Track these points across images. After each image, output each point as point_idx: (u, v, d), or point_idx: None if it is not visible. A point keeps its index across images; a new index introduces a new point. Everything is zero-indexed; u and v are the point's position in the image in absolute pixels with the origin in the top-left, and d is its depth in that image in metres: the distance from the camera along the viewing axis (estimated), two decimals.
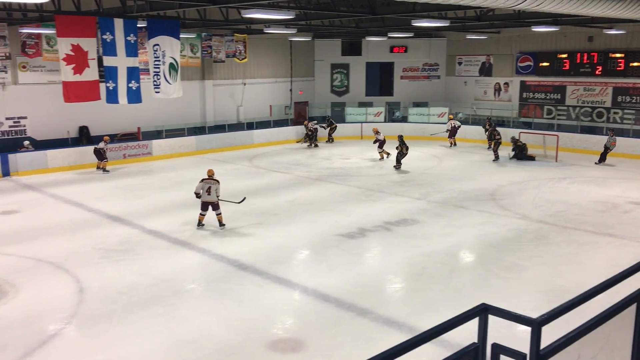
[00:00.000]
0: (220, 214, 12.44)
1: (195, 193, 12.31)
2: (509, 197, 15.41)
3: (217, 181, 12.34)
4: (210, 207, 12.32)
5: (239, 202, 13.12)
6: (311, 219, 13.38)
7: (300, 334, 7.72)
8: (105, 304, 8.67)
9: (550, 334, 3.09)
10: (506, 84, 27.83)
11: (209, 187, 12.14)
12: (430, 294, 9.03)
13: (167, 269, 10.19)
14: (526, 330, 3.04)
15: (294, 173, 18.90)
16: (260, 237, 12.04)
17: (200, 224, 12.51)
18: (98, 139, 21.53)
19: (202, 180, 12.30)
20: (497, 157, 20.80)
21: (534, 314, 3.23)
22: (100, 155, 19.09)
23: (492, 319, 3.22)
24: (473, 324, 3.38)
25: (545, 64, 26.22)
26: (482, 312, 2.86)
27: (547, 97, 26.42)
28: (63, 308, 8.54)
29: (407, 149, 19.09)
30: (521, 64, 27.08)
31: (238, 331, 7.78)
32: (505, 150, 21.37)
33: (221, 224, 12.44)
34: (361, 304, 8.59)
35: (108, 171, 19.17)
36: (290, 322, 8.21)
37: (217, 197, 12.25)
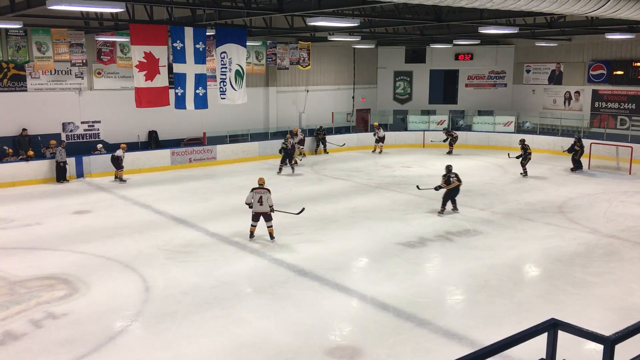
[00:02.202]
0: (271, 226, 11.92)
1: (246, 203, 11.83)
2: (578, 210, 14.83)
3: (269, 190, 11.83)
4: (262, 218, 11.85)
5: (297, 213, 12.75)
6: (371, 227, 13.32)
7: (358, 341, 7.68)
8: (170, 303, 8.93)
9: (619, 353, 2.95)
10: (577, 92, 26.85)
11: (260, 197, 11.61)
12: (493, 308, 8.80)
13: (228, 271, 10.39)
14: (594, 348, 2.92)
15: (355, 180, 18.88)
16: (320, 243, 12.08)
17: (252, 235, 12.07)
18: (166, 143, 22.32)
19: (253, 189, 11.80)
20: (525, 173, 19.15)
21: (603, 333, 3.09)
22: (117, 163, 18.65)
23: (559, 336, 3.11)
24: (536, 341, 3.27)
25: (619, 72, 25.13)
26: (552, 327, 2.77)
27: (621, 107, 25.30)
28: (130, 306, 8.85)
29: (459, 181, 14.50)
30: (593, 72, 26.07)
31: (296, 336, 7.83)
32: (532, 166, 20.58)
33: (272, 237, 11.95)
34: (421, 315, 8.47)
35: (125, 181, 18.64)
36: (349, 329, 8.19)
37: (270, 206, 11.74)
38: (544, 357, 2.76)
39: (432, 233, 12.67)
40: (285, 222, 13.60)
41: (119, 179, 18.73)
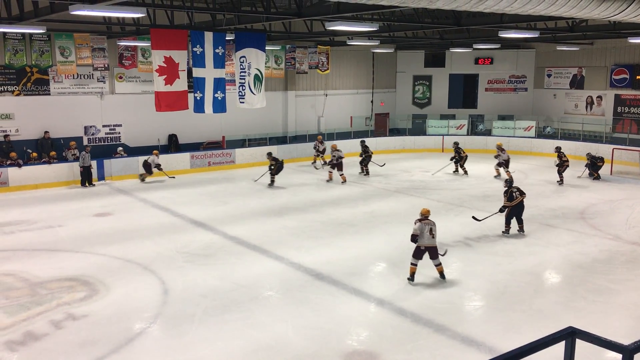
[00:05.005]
0: (440, 264, 10.02)
1: (413, 236, 9.78)
2: (600, 216, 14.63)
3: (434, 223, 9.98)
4: (427, 255, 9.91)
5: (442, 255, 10.19)
6: (389, 231, 13.27)
7: (375, 347, 7.66)
8: (188, 306, 8.98)
9: None
10: (599, 97, 26.51)
11: (431, 229, 9.79)
12: (513, 314, 8.71)
13: (246, 275, 10.43)
14: (615, 357, 2.87)
15: (373, 185, 18.84)
16: (338, 247, 12.07)
17: (413, 277, 9.96)
18: (186, 146, 22.51)
19: (420, 220, 9.84)
20: (561, 181, 18.62)
21: (624, 341, 3.05)
22: (148, 168, 19.17)
23: (578, 344, 3.07)
24: (557, 348, 3.23)
25: None
26: (569, 335, 2.74)
27: None
28: (148, 308, 8.93)
29: (522, 194, 12.86)
30: (616, 77, 25.72)
31: (313, 340, 7.82)
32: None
33: (443, 276, 10.03)
34: (439, 320, 8.41)
35: (143, 180, 19.31)
36: (366, 334, 8.16)
37: None
38: None
39: (450, 238, 12.57)
40: (302, 226, 13.65)
41: (142, 179, 19.32)
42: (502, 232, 13.03)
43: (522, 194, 12.86)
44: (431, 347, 7.66)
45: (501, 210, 13.03)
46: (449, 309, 8.91)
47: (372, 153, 20.72)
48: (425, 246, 9.82)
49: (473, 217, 13.43)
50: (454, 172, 20.78)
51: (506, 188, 13.09)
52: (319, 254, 11.56)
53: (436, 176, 20.28)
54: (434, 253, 9.89)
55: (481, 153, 25.08)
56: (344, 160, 19.25)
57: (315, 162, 23.07)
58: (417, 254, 9.92)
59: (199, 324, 8.34)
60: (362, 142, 21.20)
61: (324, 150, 22.84)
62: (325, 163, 22.21)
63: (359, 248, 12.03)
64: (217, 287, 9.76)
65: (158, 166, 19.29)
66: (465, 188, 18.18)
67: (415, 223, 9.86)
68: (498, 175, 19.68)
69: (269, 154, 19.15)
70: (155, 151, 19.69)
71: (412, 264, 9.97)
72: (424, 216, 9.94)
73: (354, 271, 10.57)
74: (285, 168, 19.70)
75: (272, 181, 18.73)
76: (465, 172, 20.46)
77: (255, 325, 8.30)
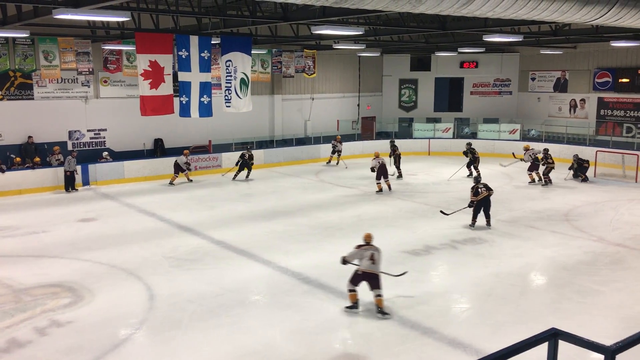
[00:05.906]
0: (381, 296, 8.72)
1: (342, 258, 8.91)
2: (584, 218, 14.77)
3: (378, 249, 8.94)
4: (367, 284, 8.74)
5: (397, 276, 9.48)
6: (376, 235, 13.12)
7: (363, 350, 7.66)
8: (174, 311, 8.93)
9: None
10: (582, 100, 26.80)
11: (372, 254, 8.68)
12: (499, 316, 8.76)
13: (233, 279, 10.39)
14: (599, 358, 2.91)
15: (360, 188, 18.87)
16: (326, 251, 12.06)
17: (356, 305, 8.85)
18: (172, 151, 22.41)
19: (359, 246, 8.85)
20: (548, 181, 19.05)
21: (609, 342, 3.08)
22: (177, 168, 19.75)
23: (563, 345, 3.10)
24: (542, 350, 3.26)
25: (624, 80, 25.09)
26: (552, 337, 2.76)
27: (627, 115, 25.24)
28: (134, 313, 8.86)
29: (488, 190, 13.78)
30: (599, 80, 26.03)
31: (301, 344, 7.81)
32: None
33: (383, 312, 8.68)
34: (426, 323, 8.44)
35: (191, 180, 20.18)
36: (353, 337, 8.16)
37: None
38: None
39: (437, 241, 12.63)
40: (290, 230, 13.63)
41: (187, 179, 20.16)
42: (469, 225, 13.70)
43: (488, 190, 13.68)
44: (419, 349, 7.68)
45: (469, 206, 13.75)
46: (436, 311, 8.94)
47: (400, 153, 20.95)
48: (362, 271, 8.70)
49: (441, 212, 14.16)
50: (468, 176, 20.14)
51: (474, 184, 13.88)
52: (306, 258, 11.56)
53: (424, 179, 20.33)
54: (373, 282, 8.69)
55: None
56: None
57: (330, 161, 23.68)
58: (354, 279, 8.81)
59: (185, 329, 8.29)
60: (392, 142, 21.53)
61: (341, 150, 23.66)
62: (345, 166, 23.20)
63: (347, 251, 12.00)
64: (204, 292, 9.71)
65: (187, 165, 19.95)
66: (452, 191, 18.25)
67: (354, 249, 8.88)
68: (534, 181, 19.36)
69: (246, 151, 20.84)
70: (185, 151, 20.31)
71: (349, 290, 8.85)
72: (366, 242, 8.90)
73: (341, 274, 10.51)
74: (273, 172, 19.66)
75: (234, 176, 20.42)
76: (479, 175, 20.17)
77: (242, 330, 8.27)
